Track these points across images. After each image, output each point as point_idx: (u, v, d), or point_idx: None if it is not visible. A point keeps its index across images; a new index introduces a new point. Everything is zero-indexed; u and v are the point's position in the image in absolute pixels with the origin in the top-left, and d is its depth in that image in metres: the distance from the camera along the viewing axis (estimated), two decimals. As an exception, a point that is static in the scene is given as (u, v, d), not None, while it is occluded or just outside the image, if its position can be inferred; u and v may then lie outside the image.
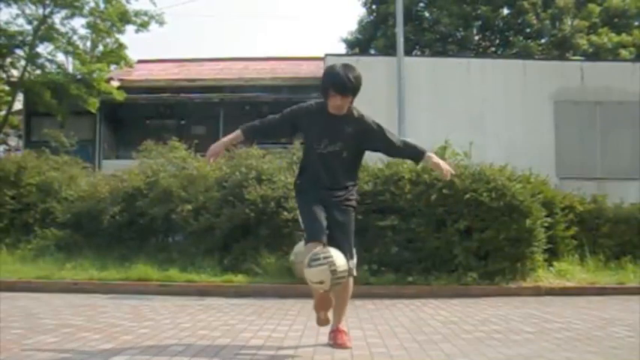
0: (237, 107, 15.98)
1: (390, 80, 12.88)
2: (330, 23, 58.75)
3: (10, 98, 15.45)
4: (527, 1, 22.01)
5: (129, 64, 15.34)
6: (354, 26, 27.16)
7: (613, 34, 21.80)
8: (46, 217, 9.34)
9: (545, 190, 8.59)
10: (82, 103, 13.91)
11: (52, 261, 8.33)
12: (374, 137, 4.13)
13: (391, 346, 4.17)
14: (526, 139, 12.77)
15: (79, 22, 43.43)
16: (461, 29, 23.19)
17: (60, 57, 14.86)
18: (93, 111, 14.39)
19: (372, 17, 24.41)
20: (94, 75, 13.90)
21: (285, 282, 7.21)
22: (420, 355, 3.89)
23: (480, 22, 23.48)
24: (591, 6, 22.37)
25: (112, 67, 15.50)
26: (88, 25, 14.49)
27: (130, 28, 14.53)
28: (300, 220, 4.15)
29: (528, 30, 22.91)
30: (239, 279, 7.54)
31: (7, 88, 15.70)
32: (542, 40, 22.91)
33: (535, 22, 22.26)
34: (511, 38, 23.19)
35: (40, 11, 13.95)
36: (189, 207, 8.37)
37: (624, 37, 21.73)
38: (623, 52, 21.25)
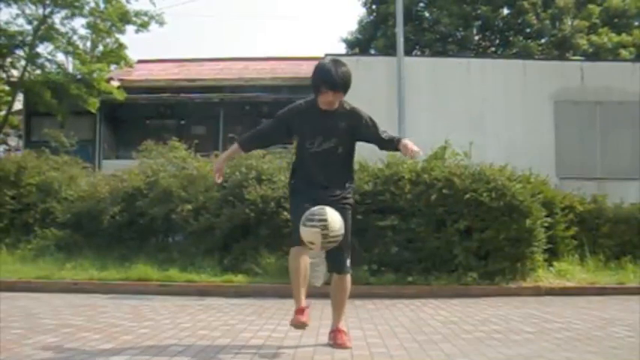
0: (237, 107, 15.99)
1: (390, 80, 12.88)
2: (330, 23, 58.82)
3: (10, 98, 15.46)
4: (527, 1, 22.02)
5: (129, 64, 15.34)
6: (354, 26, 27.23)
7: (613, 34, 21.81)
8: (46, 217, 9.34)
9: (545, 190, 8.59)
10: (82, 103, 13.91)
11: (52, 261, 8.33)
12: (367, 131, 4.14)
13: (391, 346, 4.17)
14: (526, 139, 12.77)
15: (79, 22, 43.43)
16: (461, 29, 23.19)
17: (60, 57, 14.88)
18: (93, 111, 14.40)
19: (372, 17, 24.41)
20: (94, 75, 13.90)
21: (285, 282, 7.15)
22: (420, 355, 3.89)
23: (479, 22, 23.49)
24: (591, 7, 22.37)
25: (112, 67, 15.50)
26: (88, 25, 14.50)
27: (130, 29, 14.55)
28: (291, 214, 4.19)
29: (528, 30, 22.91)
30: (239, 279, 7.55)
31: (7, 88, 15.70)
32: (542, 40, 22.92)
33: (535, 22, 22.27)
34: (511, 38, 23.20)
35: (40, 11, 13.96)
36: (189, 207, 8.37)
37: (624, 37, 21.74)
38: (623, 52, 21.26)
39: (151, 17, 14.47)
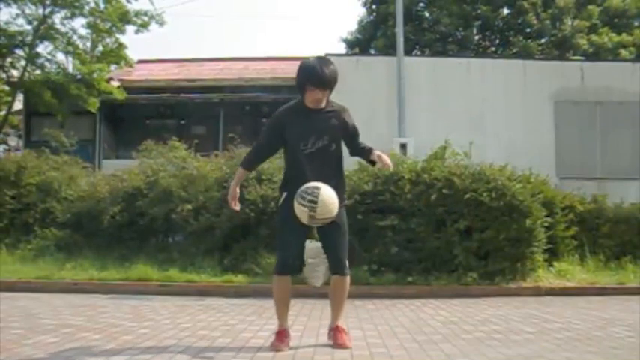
0: (237, 107, 15.99)
1: (390, 80, 12.87)
2: (330, 23, 58.80)
3: (10, 98, 15.45)
4: (527, 1, 22.01)
5: (129, 64, 15.33)
6: (354, 26, 27.18)
7: (613, 34, 21.80)
8: (46, 217, 9.34)
9: (545, 190, 8.60)
10: (82, 103, 13.91)
11: (52, 261, 8.33)
12: (350, 133, 4.17)
13: (391, 346, 4.17)
14: (526, 139, 12.76)
15: (79, 22, 43.45)
16: (461, 29, 23.18)
17: (60, 57, 14.88)
18: (93, 111, 14.39)
19: (372, 17, 24.40)
20: (94, 75, 13.90)
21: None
22: (420, 355, 3.89)
23: (479, 22, 23.48)
24: (591, 6, 22.37)
25: (112, 67, 15.50)
26: (88, 26, 14.50)
27: (130, 29, 14.54)
28: (277, 237, 4.19)
29: (528, 30, 22.90)
30: (239, 279, 7.55)
31: (7, 88, 15.70)
32: (542, 40, 22.91)
33: (535, 22, 22.26)
34: (511, 38, 23.18)
35: (40, 11, 13.95)
36: (189, 207, 8.37)
37: (624, 37, 21.73)
38: (623, 52, 21.25)
39: (151, 17, 14.47)
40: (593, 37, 21.73)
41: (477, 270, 7.52)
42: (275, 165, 8.53)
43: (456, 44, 22.67)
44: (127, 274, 7.69)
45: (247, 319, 5.32)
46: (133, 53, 15.77)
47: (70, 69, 15.19)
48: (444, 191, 7.71)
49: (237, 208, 4.29)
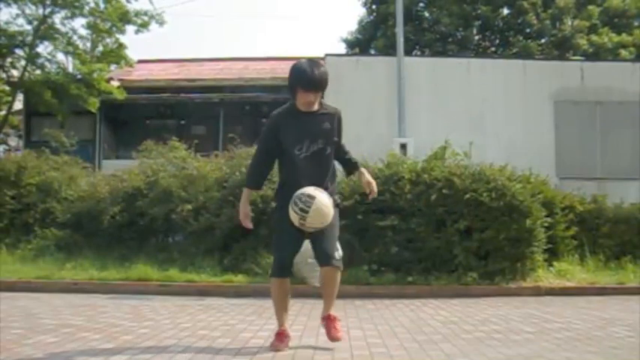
0: (237, 107, 15.99)
1: (390, 80, 12.87)
2: (330, 23, 58.80)
3: (10, 98, 15.45)
4: (527, 1, 22.00)
5: (129, 64, 15.34)
6: (354, 26, 27.17)
7: (613, 34, 21.79)
8: (46, 217, 9.34)
9: (545, 190, 8.60)
10: (82, 103, 13.91)
11: (52, 261, 8.33)
12: (337, 133, 4.15)
13: (391, 346, 4.17)
14: (526, 139, 12.76)
15: (79, 22, 43.45)
16: (461, 29, 23.18)
17: (60, 57, 14.88)
18: (93, 111, 14.40)
19: (372, 17, 24.40)
20: (94, 75, 13.90)
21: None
22: (420, 355, 3.89)
23: (480, 22, 23.47)
24: (591, 6, 22.37)
25: (112, 67, 15.51)
26: (88, 26, 14.50)
27: (130, 29, 14.55)
28: (273, 241, 4.17)
29: (528, 30, 22.90)
30: (239, 279, 7.55)
31: (7, 88, 15.70)
32: (542, 40, 22.90)
33: (535, 22, 22.26)
34: (511, 38, 23.18)
35: (40, 11, 13.96)
36: (189, 207, 8.37)
37: (624, 37, 21.72)
38: (623, 52, 21.24)
39: (151, 17, 14.48)
40: (593, 37, 21.72)
41: (477, 270, 7.52)
42: (275, 165, 8.53)
43: (456, 44, 22.67)
44: (127, 274, 7.69)
45: (247, 319, 5.32)
46: (133, 53, 15.79)
47: (70, 69, 15.21)
48: (444, 191, 7.71)
49: (251, 226, 4.20)
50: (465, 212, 7.66)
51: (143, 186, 8.91)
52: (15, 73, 14.70)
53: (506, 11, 23.23)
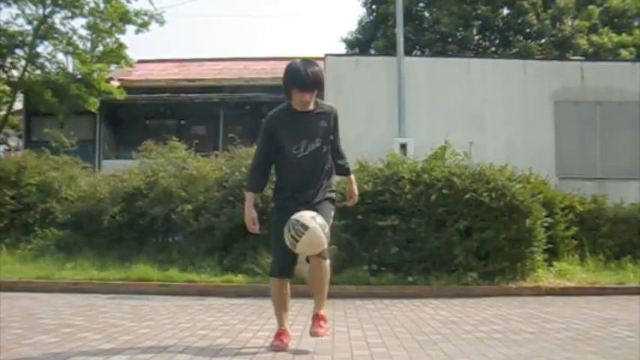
0: (237, 107, 16.00)
1: (390, 80, 12.86)
2: (330, 23, 58.78)
3: (10, 98, 15.46)
4: (527, 1, 21.99)
5: (129, 64, 15.35)
6: (354, 26, 27.13)
7: (613, 35, 21.77)
8: (46, 217, 9.34)
9: (545, 190, 8.60)
10: (82, 103, 13.92)
11: (52, 261, 8.33)
12: (335, 130, 4.15)
13: (391, 346, 4.17)
14: (526, 139, 12.76)
15: (79, 23, 43.45)
16: (461, 29, 23.16)
17: (60, 57, 14.90)
18: (93, 111, 14.41)
19: (372, 17, 24.38)
20: (94, 75, 13.91)
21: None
22: (420, 355, 3.89)
23: (480, 22, 23.45)
24: (591, 6, 22.35)
25: (113, 66, 15.52)
26: (88, 26, 14.51)
27: (130, 28, 14.57)
28: (271, 241, 4.16)
29: (528, 30, 22.87)
30: (239, 279, 7.55)
31: (7, 88, 15.71)
32: (542, 40, 22.88)
33: (535, 22, 22.24)
34: (511, 38, 23.15)
35: (40, 11, 13.98)
36: (189, 207, 8.37)
37: (624, 37, 21.70)
38: (624, 52, 21.22)
39: (151, 17, 14.50)
40: (593, 37, 21.71)
41: (477, 270, 7.52)
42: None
43: (456, 44, 22.65)
44: (127, 274, 7.69)
45: (247, 319, 5.32)
46: (133, 53, 15.81)
47: (70, 69, 15.23)
48: (444, 191, 7.71)
49: (258, 230, 4.16)
50: (464, 212, 7.66)
51: (143, 186, 8.91)
52: (15, 73, 14.71)
53: (506, 11, 23.21)
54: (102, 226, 8.74)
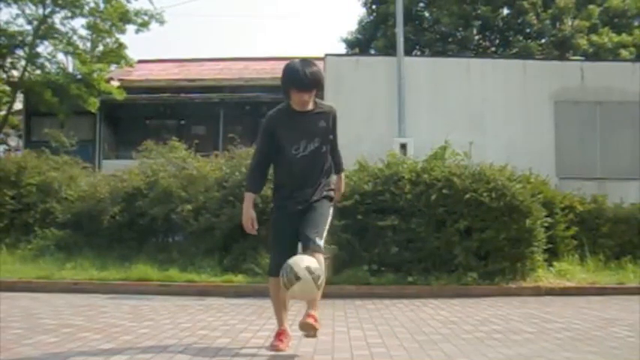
0: (237, 107, 16.00)
1: (390, 80, 12.86)
2: (330, 23, 58.77)
3: (10, 98, 15.47)
4: (527, 1, 21.99)
5: (129, 64, 15.35)
6: (354, 26, 27.12)
7: (613, 34, 21.77)
8: (46, 217, 9.34)
9: (545, 190, 8.60)
10: (82, 103, 13.92)
11: (52, 261, 8.33)
12: (333, 130, 4.15)
13: (391, 346, 4.17)
14: (526, 139, 12.75)
15: (79, 22, 43.43)
16: (461, 29, 23.16)
17: (60, 57, 14.90)
18: (93, 111, 14.40)
19: (372, 17, 24.38)
20: (94, 75, 13.91)
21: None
22: (420, 355, 3.89)
23: (480, 22, 23.45)
24: (591, 7, 22.35)
25: (113, 66, 15.52)
26: (88, 26, 14.51)
27: (130, 28, 14.57)
28: (270, 241, 4.14)
29: (528, 30, 22.87)
30: (239, 279, 7.55)
31: (7, 88, 15.71)
32: (542, 40, 22.88)
33: (535, 22, 22.24)
34: (511, 38, 23.16)
35: (40, 11, 13.98)
36: (189, 207, 8.37)
37: (624, 37, 21.70)
38: (624, 52, 21.22)
39: (151, 16, 14.51)
40: (593, 37, 21.70)
41: (477, 270, 7.52)
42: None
43: (456, 44, 22.65)
44: (127, 274, 7.69)
45: (247, 319, 5.32)
46: (133, 53, 15.82)
47: (70, 69, 15.23)
48: (444, 191, 7.71)
49: (255, 232, 4.13)
50: (465, 212, 7.66)
51: (143, 186, 8.91)
52: (15, 73, 14.71)
53: (506, 11, 23.21)
54: (102, 226, 8.74)
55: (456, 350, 4.03)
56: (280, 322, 4.06)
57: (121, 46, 14.81)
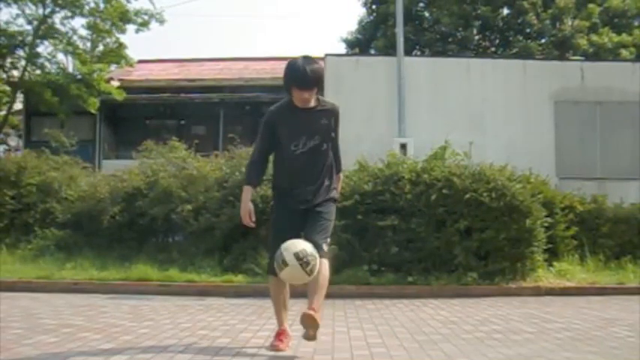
0: (237, 107, 16.00)
1: (390, 80, 12.86)
2: (330, 23, 58.77)
3: (10, 98, 15.46)
4: (527, 1, 21.99)
5: (129, 64, 15.35)
6: (354, 26, 27.12)
7: (613, 34, 21.77)
8: (46, 217, 9.34)
9: (545, 190, 8.60)
10: (82, 103, 13.92)
11: (52, 261, 8.33)
12: (335, 129, 4.14)
13: (391, 346, 4.17)
14: (526, 139, 12.76)
15: (79, 22, 43.45)
16: (461, 29, 23.15)
17: (60, 57, 14.90)
18: (93, 111, 14.40)
19: (372, 17, 24.38)
20: (94, 75, 13.91)
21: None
22: (420, 355, 3.89)
23: (480, 22, 23.45)
24: (591, 6, 22.35)
25: (113, 66, 15.52)
26: (88, 26, 14.51)
27: (130, 28, 14.57)
28: (270, 240, 4.14)
29: (528, 30, 22.87)
30: (239, 279, 7.55)
31: (7, 88, 15.71)
32: (542, 40, 22.88)
33: (535, 22, 22.24)
34: (511, 38, 23.16)
35: (40, 11, 13.98)
36: (189, 207, 8.37)
37: (624, 37, 21.70)
38: (624, 52, 21.23)
39: (152, 16, 14.51)
40: (593, 37, 21.70)
41: (477, 270, 7.52)
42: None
43: (456, 44, 22.65)
44: (127, 274, 7.69)
45: (247, 319, 5.32)
46: (133, 53, 15.81)
47: (70, 69, 15.23)
48: (444, 191, 7.71)
49: (253, 224, 4.10)
50: (465, 212, 7.65)
51: (143, 186, 8.91)
52: (15, 73, 14.71)
53: (506, 11, 23.21)
54: (102, 226, 8.74)
55: (456, 350, 4.03)
56: (280, 322, 4.06)
57: (121, 45, 14.81)
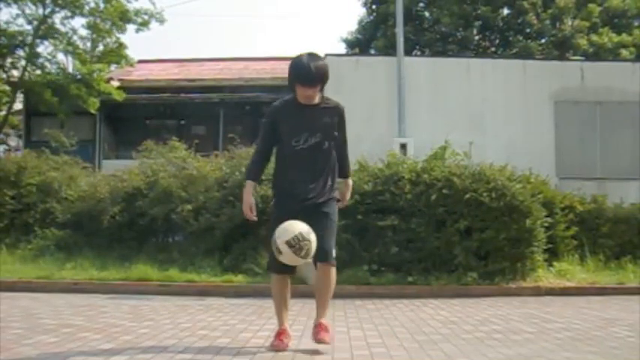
0: (237, 107, 16.00)
1: (390, 80, 12.87)
2: (330, 23, 58.76)
3: (10, 98, 15.46)
4: (527, 1, 21.99)
5: (129, 64, 15.35)
6: (354, 26, 27.14)
7: (613, 34, 21.78)
8: (46, 217, 9.34)
9: (545, 190, 8.60)
10: (82, 103, 13.92)
11: (52, 261, 8.33)
12: (340, 130, 4.14)
13: (391, 346, 4.17)
14: (526, 139, 12.76)
15: (79, 22, 43.44)
16: (461, 29, 23.16)
17: (60, 57, 14.90)
18: (93, 111, 14.40)
19: (372, 17, 24.39)
20: (94, 75, 13.91)
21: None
22: (420, 355, 3.89)
23: (480, 22, 23.46)
24: (591, 6, 22.36)
25: (113, 66, 15.52)
26: (88, 25, 14.51)
27: (130, 28, 14.57)
28: (270, 238, 4.10)
29: (528, 30, 22.88)
30: (239, 279, 7.55)
31: (7, 88, 15.71)
32: (542, 40, 22.89)
33: (535, 22, 22.25)
34: (511, 38, 23.17)
35: (40, 11, 13.98)
36: (189, 207, 8.37)
37: (624, 37, 21.71)
38: (624, 52, 21.23)
39: (152, 16, 14.51)
40: (593, 37, 21.71)
41: (477, 270, 7.52)
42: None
43: (456, 44, 22.66)
44: (127, 274, 7.69)
45: (247, 319, 5.32)
46: (133, 53, 15.81)
47: (70, 69, 15.23)
48: (444, 191, 7.71)
49: (255, 218, 4.08)
50: (465, 212, 7.65)
51: (143, 186, 8.91)
52: (15, 73, 14.71)
53: (506, 11, 23.22)
54: (102, 226, 8.74)
55: (456, 350, 4.03)
56: (281, 321, 4.06)
57: (121, 45, 14.81)
